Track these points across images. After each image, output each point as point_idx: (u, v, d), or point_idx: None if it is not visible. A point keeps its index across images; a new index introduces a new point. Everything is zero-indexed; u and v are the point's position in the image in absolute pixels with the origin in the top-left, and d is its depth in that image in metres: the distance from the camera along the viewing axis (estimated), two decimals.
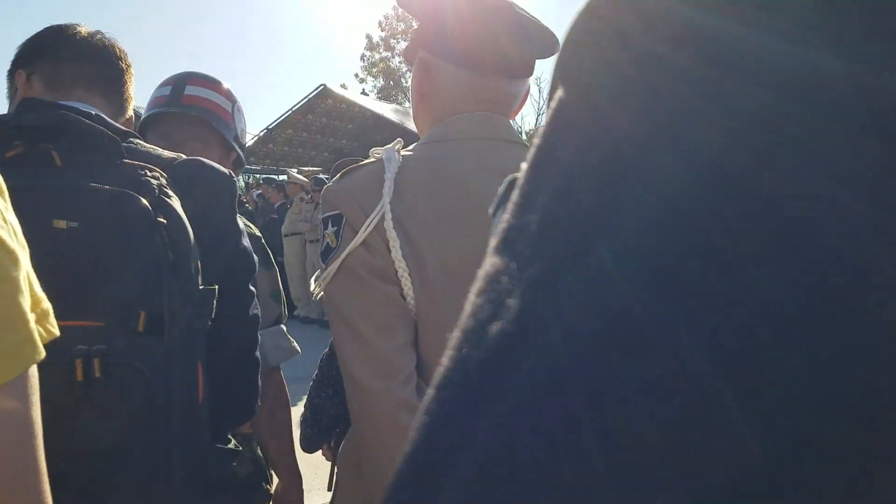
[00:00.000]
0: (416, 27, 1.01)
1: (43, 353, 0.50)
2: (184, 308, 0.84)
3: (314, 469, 3.51)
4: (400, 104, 25.60)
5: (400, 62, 29.84)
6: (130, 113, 1.07)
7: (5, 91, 1.06)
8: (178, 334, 0.83)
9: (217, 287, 0.90)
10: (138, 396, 0.79)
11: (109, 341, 0.77)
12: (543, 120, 0.22)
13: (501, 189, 0.25)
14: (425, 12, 0.98)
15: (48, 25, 1.02)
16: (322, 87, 15.32)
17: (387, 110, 16.50)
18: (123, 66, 1.04)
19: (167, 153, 0.97)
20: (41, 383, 0.73)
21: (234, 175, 1.03)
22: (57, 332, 0.51)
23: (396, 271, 0.85)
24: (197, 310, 0.87)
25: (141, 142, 0.96)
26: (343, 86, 21.64)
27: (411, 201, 0.87)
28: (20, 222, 0.75)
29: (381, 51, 29.70)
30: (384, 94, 28.36)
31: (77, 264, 0.77)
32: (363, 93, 26.00)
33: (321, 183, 7.87)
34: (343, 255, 0.85)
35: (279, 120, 16.04)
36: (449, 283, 0.86)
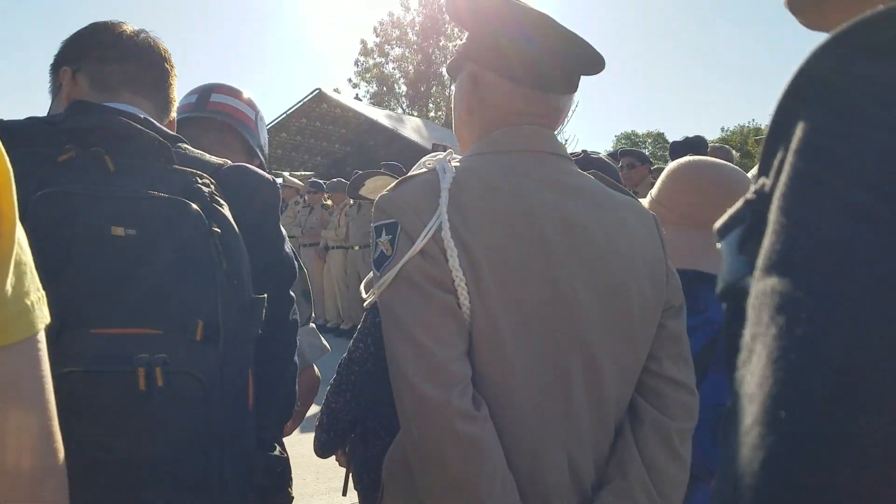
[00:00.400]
0: (464, 41, 1.02)
1: (49, 319, 0.51)
2: (237, 316, 0.84)
3: (315, 473, 3.50)
4: (392, 110, 25.64)
5: (394, 68, 29.91)
6: (174, 115, 1.07)
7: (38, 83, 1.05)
8: (231, 342, 0.83)
9: (266, 296, 0.91)
10: (197, 406, 0.79)
11: (169, 350, 0.77)
12: (791, 147, 0.23)
13: (735, 209, 0.26)
14: (476, 26, 0.99)
15: (92, 22, 1.01)
16: (317, 92, 15.31)
17: (380, 116, 16.52)
18: (168, 66, 1.04)
19: (215, 159, 0.97)
20: (103, 391, 0.73)
21: (276, 182, 1.04)
22: (49, 319, 0.52)
23: (453, 280, 0.85)
24: (248, 318, 0.88)
25: (188, 146, 0.96)
26: (336, 90, 21.64)
27: (466, 212, 0.87)
28: (78, 228, 0.75)
29: (376, 56, 29.72)
30: (377, 100, 28.38)
31: (135, 272, 0.77)
32: (357, 98, 26.02)
33: (318, 186, 7.86)
34: (401, 264, 0.86)
35: (273, 123, 16.00)
36: (503, 294, 0.87)
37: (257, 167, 1.46)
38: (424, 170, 0.94)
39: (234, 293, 0.84)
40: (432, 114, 29.34)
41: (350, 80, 29.77)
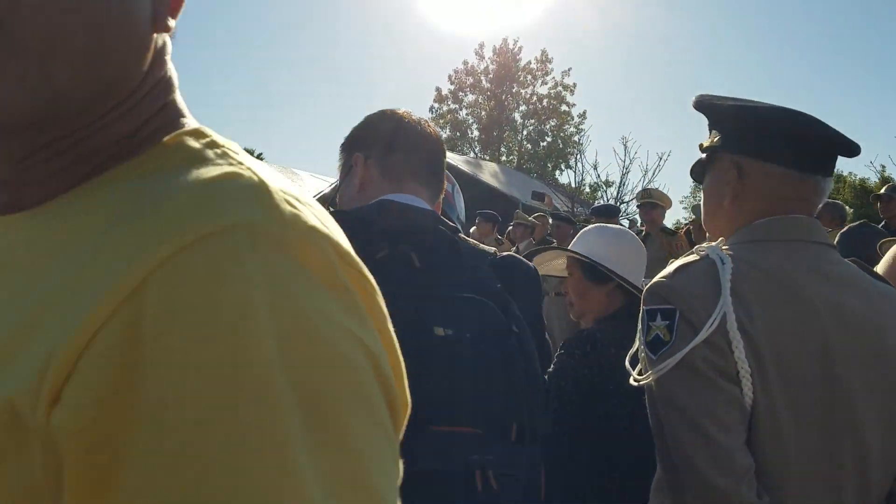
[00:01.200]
0: (713, 139, 1.05)
1: None
2: (536, 414, 0.87)
3: None
4: (465, 154, 26.10)
5: (467, 114, 30.56)
6: (440, 199, 1.13)
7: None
8: (533, 441, 0.85)
9: (551, 391, 0.93)
10: None
11: (492, 450, 0.79)
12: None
13: None
14: (733, 116, 1.02)
15: (380, 110, 1.11)
16: None
17: (459, 161, 16.90)
18: (442, 156, 1.11)
19: (486, 248, 1.02)
20: (443, 491, 0.75)
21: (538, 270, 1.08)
22: None
23: (738, 372, 0.87)
24: (543, 413, 0.90)
25: (462, 236, 1.01)
26: None
27: (748, 303, 0.89)
28: (408, 329, 0.79)
29: (450, 103, 30.51)
30: (450, 145, 28.97)
31: (454, 371, 0.81)
32: None
33: None
34: (685, 351, 0.88)
35: None
36: (784, 386, 0.88)
37: None
38: (696, 257, 0.97)
39: (533, 390, 0.87)
40: (504, 158, 29.68)
41: None
